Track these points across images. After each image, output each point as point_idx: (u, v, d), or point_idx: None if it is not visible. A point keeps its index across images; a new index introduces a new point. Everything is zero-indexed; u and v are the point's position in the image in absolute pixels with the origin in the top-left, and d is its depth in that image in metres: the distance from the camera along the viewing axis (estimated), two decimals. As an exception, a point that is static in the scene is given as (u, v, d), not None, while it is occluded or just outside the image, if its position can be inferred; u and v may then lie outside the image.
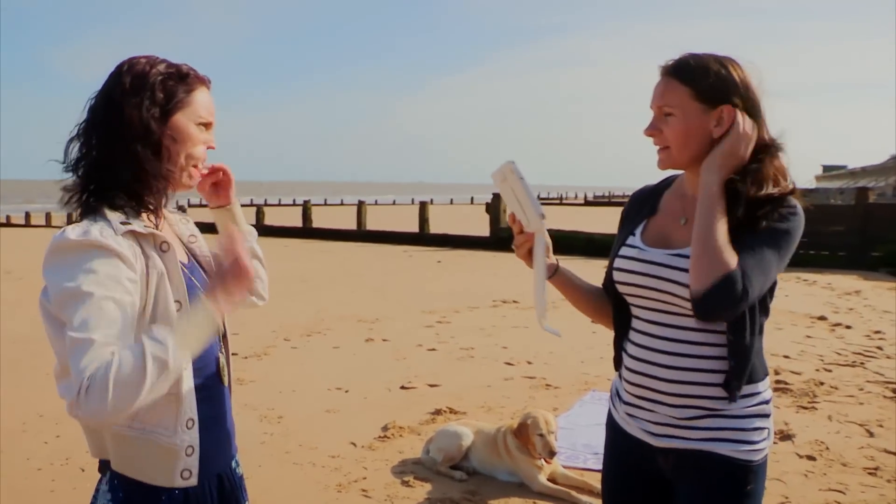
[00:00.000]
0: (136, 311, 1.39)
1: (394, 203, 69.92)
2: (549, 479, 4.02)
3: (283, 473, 4.28)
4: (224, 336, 1.72)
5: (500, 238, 19.46)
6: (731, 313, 1.57)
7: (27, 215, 37.54)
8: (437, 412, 5.37)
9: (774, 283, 1.67)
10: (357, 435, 4.90)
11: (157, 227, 1.53)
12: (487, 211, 21.08)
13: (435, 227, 22.79)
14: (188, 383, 1.50)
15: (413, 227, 22.87)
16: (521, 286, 12.16)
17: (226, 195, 1.79)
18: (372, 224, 25.25)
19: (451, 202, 76.84)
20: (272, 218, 28.84)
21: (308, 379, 6.39)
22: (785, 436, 4.86)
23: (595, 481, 4.01)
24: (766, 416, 1.73)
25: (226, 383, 1.67)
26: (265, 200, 67.02)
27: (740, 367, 1.65)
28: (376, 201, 73.04)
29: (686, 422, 1.71)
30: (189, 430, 1.50)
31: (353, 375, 6.49)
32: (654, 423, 1.75)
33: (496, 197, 20.55)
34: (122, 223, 1.43)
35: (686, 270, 1.63)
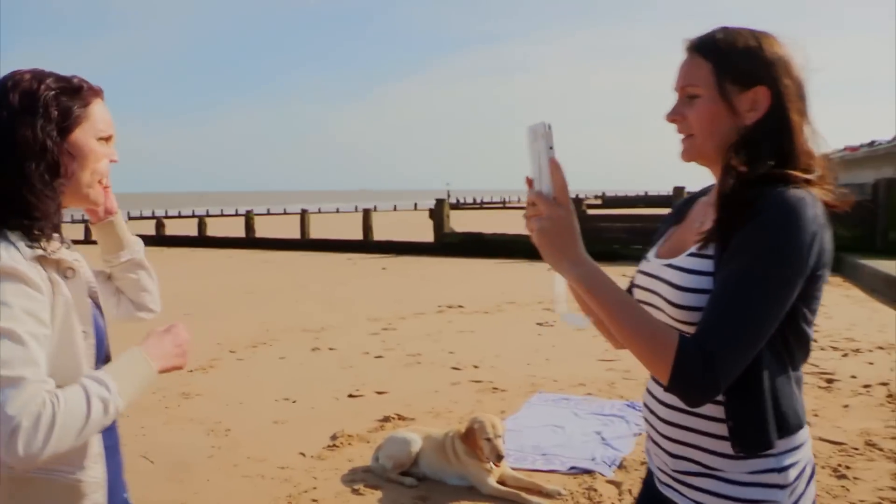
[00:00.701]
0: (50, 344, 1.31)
1: (337, 211, 69.54)
2: (498, 482, 4.06)
3: (232, 487, 4.24)
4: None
5: (445, 244, 19.55)
6: (712, 391, 1.24)
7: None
8: (386, 419, 5.38)
9: (800, 310, 1.34)
10: (306, 445, 4.88)
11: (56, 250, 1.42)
12: (431, 217, 21.15)
13: (379, 235, 22.75)
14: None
15: (357, 234, 22.81)
16: (467, 291, 12.24)
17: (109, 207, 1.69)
18: (316, 233, 25.09)
19: (395, 209, 76.73)
20: (215, 229, 28.46)
21: (255, 391, 6.34)
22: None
23: (544, 482, 4.08)
24: (777, 487, 1.37)
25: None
26: (207, 211, 66.05)
27: (744, 417, 1.35)
28: (319, 210, 72.55)
29: (682, 476, 1.47)
30: (95, 464, 1.43)
31: (301, 386, 6.46)
32: (657, 466, 1.56)
33: (439, 203, 20.64)
34: (28, 246, 1.34)
35: (672, 284, 1.41)
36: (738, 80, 1.38)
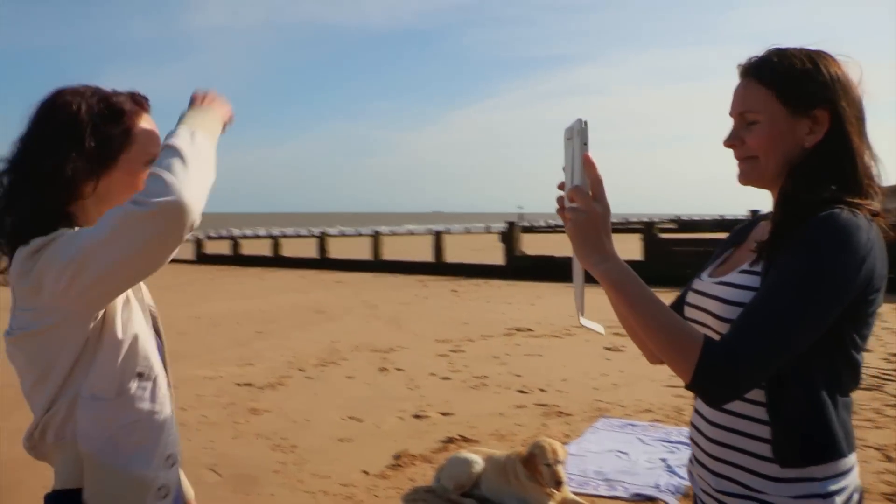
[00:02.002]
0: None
1: (410, 233, 70.05)
2: (559, 506, 4.02)
3: (295, 502, 4.31)
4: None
5: (516, 267, 19.50)
6: (732, 391, 1.26)
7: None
8: (450, 440, 5.39)
9: (849, 334, 1.32)
10: (369, 463, 4.92)
11: None
12: (502, 240, 21.14)
13: (450, 257, 22.83)
14: (170, 412, 1.44)
15: (429, 256, 22.93)
16: (536, 314, 12.18)
17: None
18: (388, 254, 25.33)
19: (467, 231, 76.92)
20: (289, 249, 28.99)
21: (322, 408, 6.42)
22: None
23: (605, 508, 4.02)
24: None
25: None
26: (282, 232, 67.40)
27: (785, 432, 1.33)
28: (392, 231, 73.25)
29: (724, 497, 1.43)
30: (168, 468, 1.43)
31: (367, 405, 6.52)
32: (700, 488, 1.52)
33: (510, 225, 20.64)
34: None
35: (720, 299, 1.41)
36: (797, 104, 1.36)
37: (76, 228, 1.36)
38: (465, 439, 5.42)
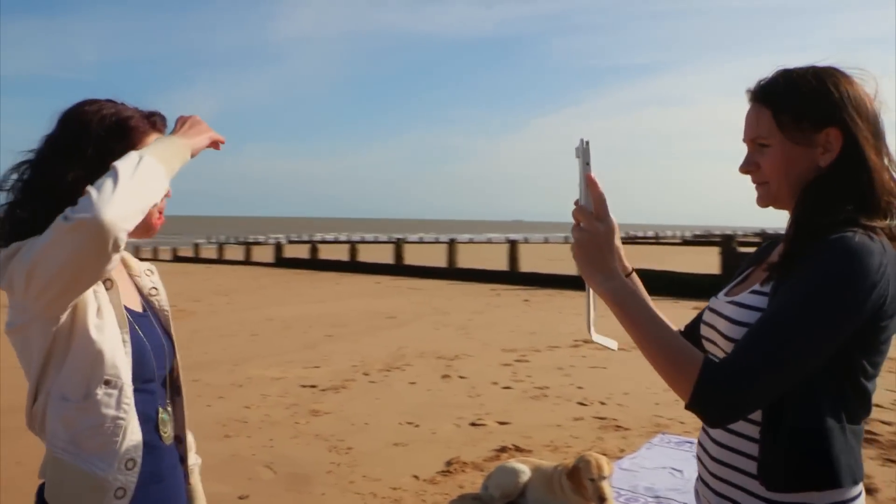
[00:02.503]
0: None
1: (489, 241, 70.06)
2: (604, 521, 3.98)
3: (343, 502, 4.39)
4: (176, 392, 1.72)
5: (590, 278, 19.27)
6: (732, 411, 1.23)
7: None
8: (503, 449, 5.39)
9: (858, 361, 1.30)
10: (421, 468, 4.97)
11: None
12: (577, 250, 20.95)
13: (526, 266, 22.75)
14: (135, 422, 1.48)
15: (503, 265, 22.90)
16: (606, 326, 11.97)
17: None
18: (464, 262, 25.42)
19: (546, 241, 76.56)
20: (366, 255, 29.40)
21: (381, 413, 6.51)
22: (867, 489, 4.65)
23: (652, 525, 3.96)
24: None
25: (167, 441, 1.62)
26: (362, 238, 68.34)
27: (774, 454, 1.31)
28: (471, 240, 73.36)
29: None
30: (127, 471, 1.46)
31: (425, 411, 6.58)
32: None
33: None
34: None
35: (729, 319, 1.41)
36: (806, 124, 1.35)
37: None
38: (518, 449, 5.41)
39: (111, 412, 1.44)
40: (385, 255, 28.41)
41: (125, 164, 1.33)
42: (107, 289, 1.51)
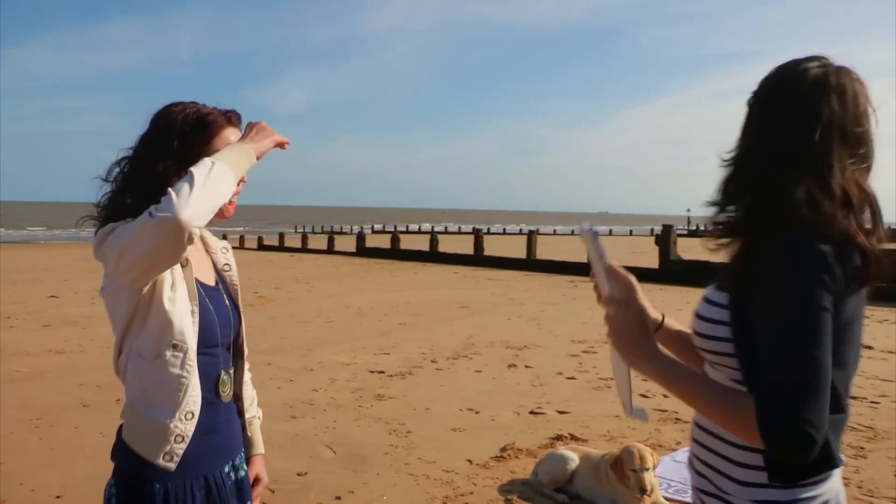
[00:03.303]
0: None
1: (572, 233, 69.54)
2: (650, 510, 4.02)
3: (397, 482, 4.54)
4: (238, 356, 1.95)
5: (669, 271, 19.02)
6: (809, 442, 1.20)
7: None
8: (559, 437, 5.46)
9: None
10: (475, 453, 5.09)
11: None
12: (657, 242, 20.68)
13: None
14: (196, 381, 1.71)
15: (582, 257, 22.69)
16: (679, 319, 11.85)
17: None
18: (544, 253, 25.35)
19: (630, 233, 75.54)
20: (446, 245, 29.62)
21: (443, 399, 6.66)
22: None
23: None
24: None
25: (225, 399, 1.85)
26: (445, 228, 68.77)
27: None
28: (555, 231, 72.82)
29: (702, 495, 1.48)
30: (187, 421, 1.70)
31: (487, 398, 6.69)
32: (692, 484, 1.57)
33: (666, 228, 20.16)
34: None
35: (696, 314, 1.46)
36: (763, 118, 1.40)
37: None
38: (574, 438, 5.47)
39: (176, 371, 1.68)
40: (465, 246, 28.57)
41: (199, 170, 1.55)
42: (182, 266, 1.74)
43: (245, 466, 1.96)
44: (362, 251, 31.45)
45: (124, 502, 1.70)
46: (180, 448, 1.70)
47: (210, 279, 1.89)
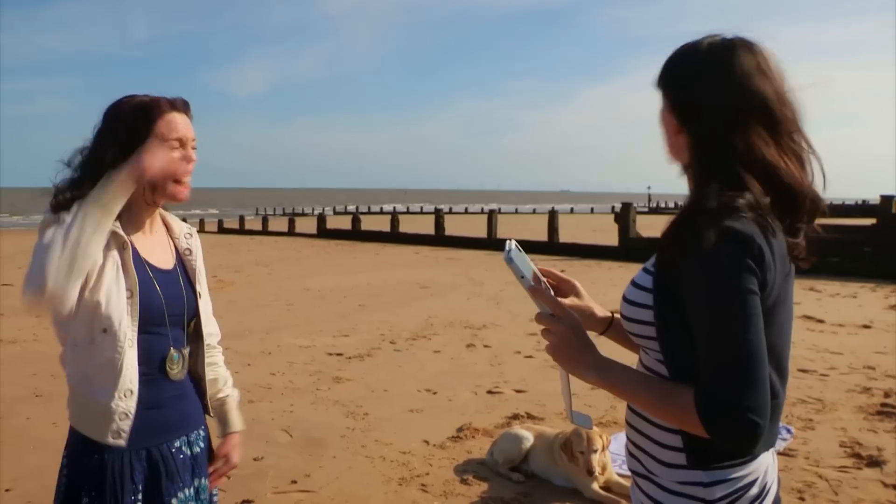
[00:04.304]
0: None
1: (534, 212, 69.86)
2: (603, 487, 4.07)
3: (353, 465, 4.55)
4: (195, 336, 1.98)
5: (629, 248, 19.20)
6: (751, 429, 1.20)
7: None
8: (515, 416, 5.51)
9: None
10: (432, 434, 5.11)
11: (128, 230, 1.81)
12: (616, 220, 20.85)
13: (567, 237, 22.72)
14: (130, 360, 1.76)
15: (543, 236, 22.87)
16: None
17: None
18: (504, 233, 25.42)
19: (592, 211, 76.08)
20: (408, 226, 29.59)
21: (401, 380, 6.67)
22: (873, 461, 4.65)
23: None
24: (701, 501, 1.36)
25: (173, 377, 1.88)
26: (407, 208, 68.68)
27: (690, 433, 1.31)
28: (517, 210, 73.10)
29: (634, 476, 1.51)
30: (125, 398, 1.76)
31: (445, 379, 6.72)
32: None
33: (625, 206, 20.33)
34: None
35: (623, 296, 1.46)
36: (675, 100, 1.40)
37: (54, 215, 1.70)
38: (530, 417, 5.52)
39: (108, 353, 1.74)
40: (427, 226, 28.55)
41: (56, 236, 1.60)
42: (122, 249, 1.77)
43: (201, 444, 1.99)
44: (323, 233, 31.29)
45: (69, 480, 1.79)
46: (126, 424, 1.76)
47: (166, 263, 1.92)
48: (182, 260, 1.98)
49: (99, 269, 1.70)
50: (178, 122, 1.82)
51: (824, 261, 14.36)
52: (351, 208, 58.75)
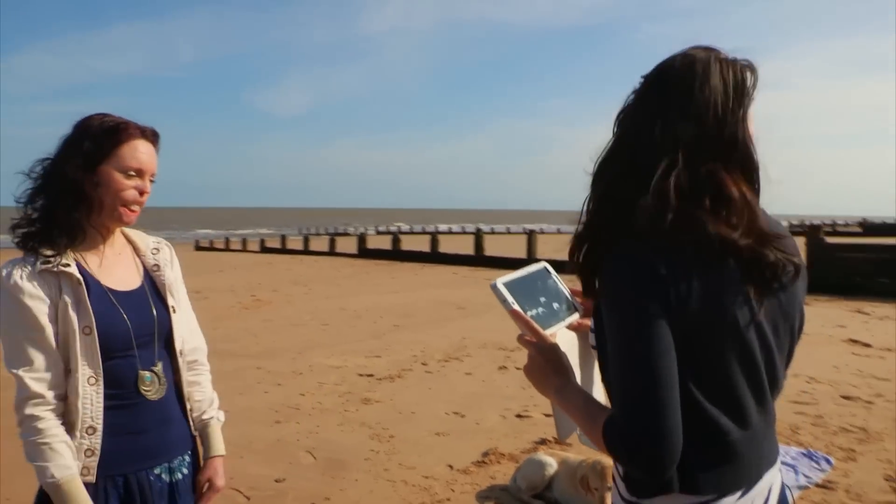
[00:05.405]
0: (52, 335, 1.71)
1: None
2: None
3: (374, 488, 4.49)
4: (169, 353, 1.93)
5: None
6: (653, 456, 1.18)
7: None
8: (543, 441, 5.40)
9: (685, 374, 1.24)
10: (457, 458, 5.03)
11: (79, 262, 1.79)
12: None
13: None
14: (87, 400, 1.74)
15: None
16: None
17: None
18: (544, 252, 25.20)
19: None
20: (448, 245, 29.55)
21: (430, 402, 6.60)
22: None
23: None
24: None
25: (151, 397, 1.84)
26: (449, 228, 68.74)
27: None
28: (559, 230, 72.65)
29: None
30: (89, 436, 1.74)
31: (475, 401, 6.63)
32: None
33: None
34: (43, 263, 1.72)
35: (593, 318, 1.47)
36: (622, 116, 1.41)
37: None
38: (558, 442, 5.40)
39: (71, 394, 1.73)
40: (467, 246, 28.49)
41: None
42: (76, 287, 1.75)
43: (185, 470, 1.94)
44: (364, 252, 31.42)
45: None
46: (92, 461, 1.74)
47: (131, 283, 1.88)
48: (151, 276, 1.93)
49: (56, 315, 1.71)
50: (141, 151, 1.81)
51: (873, 281, 13.99)
52: (393, 228, 59.00)
